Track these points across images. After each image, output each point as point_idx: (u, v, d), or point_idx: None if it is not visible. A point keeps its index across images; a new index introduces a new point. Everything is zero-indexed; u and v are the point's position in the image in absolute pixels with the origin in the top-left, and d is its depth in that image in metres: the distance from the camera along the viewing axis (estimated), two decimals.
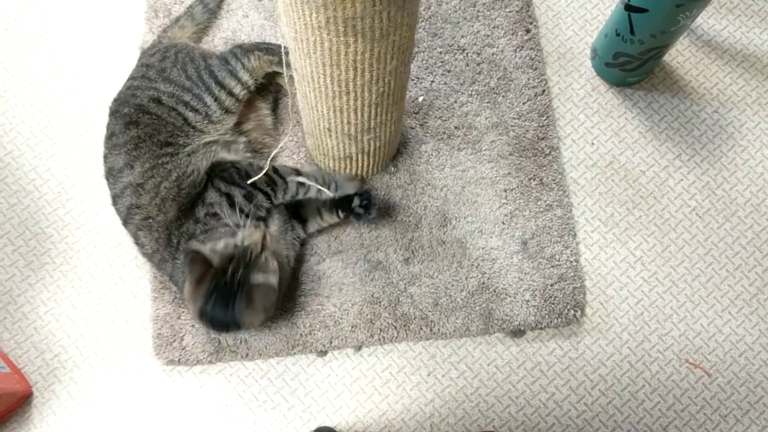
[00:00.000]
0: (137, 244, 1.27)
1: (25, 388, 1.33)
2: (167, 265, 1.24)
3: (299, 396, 1.35)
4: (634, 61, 1.43)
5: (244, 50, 1.35)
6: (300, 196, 1.30)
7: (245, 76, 1.33)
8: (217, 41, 1.50)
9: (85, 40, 1.55)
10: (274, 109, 1.47)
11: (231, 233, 1.20)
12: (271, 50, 1.37)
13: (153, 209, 1.22)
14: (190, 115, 1.28)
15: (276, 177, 1.27)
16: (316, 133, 1.24)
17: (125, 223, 1.26)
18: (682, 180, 1.49)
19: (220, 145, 1.31)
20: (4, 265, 1.41)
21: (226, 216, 1.22)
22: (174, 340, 1.32)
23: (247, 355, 1.32)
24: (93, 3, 1.55)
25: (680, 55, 1.57)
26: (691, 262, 1.44)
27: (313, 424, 1.34)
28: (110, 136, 1.27)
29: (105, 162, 1.28)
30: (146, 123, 1.25)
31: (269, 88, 1.45)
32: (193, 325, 1.33)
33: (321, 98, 1.09)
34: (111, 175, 1.27)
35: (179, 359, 1.32)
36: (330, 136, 1.22)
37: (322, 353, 1.36)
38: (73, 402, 1.34)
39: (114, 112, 1.29)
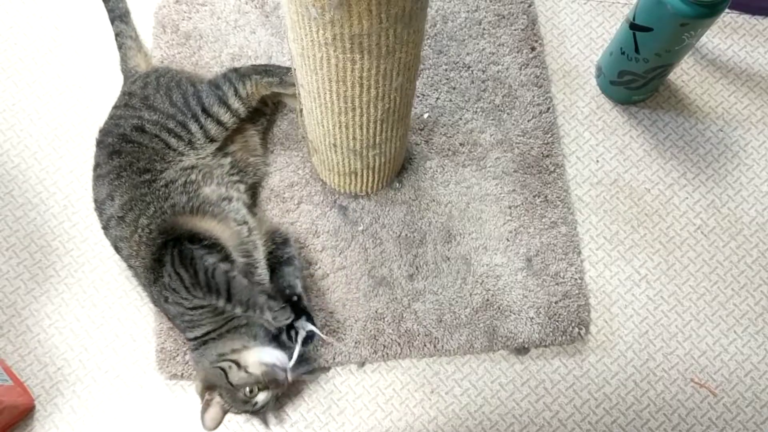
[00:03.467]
0: (135, 276, 1.27)
1: (28, 401, 1.33)
2: (160, 302, 1.22)
3: (302, 412, 1.34)
4: (639, 79, 1.44)
5: (240, 75, 1.31)
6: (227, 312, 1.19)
7: (236, 104, 1.29)
8: (224, 57, 1.51)
9: (93, 55, 1.57)
10: (265, 130, 1.46)
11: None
12: (270, 72, 1.33)
13: (134, 247, 1.20)
14: (172, 141, 1.26)
15: (212, 287, 1.13)
16: (321, 148, 1.25)
17: (117, 251, 1.27)
18: (687, 198, 1.49)
19: (200, 172, 1.26)
20: (9, 278, 1.41)
21: (182, 293, 1.14)
22: (177, 355, 1.32)
23: None
24: (101, 18, 1.56)
25: (685, 74, 1.58)
26: (696, 280, 1.44)
27: None
28: (95, 166, 1.28)
29: (93, 192, 1.29)
30: (128, 152, 1.23)
31: (263, 110, 1.43)
32: None
33: (327, 114, 1.09)
34: (97, 206, 1.28)
35: (182, 374, 1.31)
36: (335, 151, 1.22)
37: (325, 369, 1.36)
38: (75, 416, 1.34)
39: (99, 143, 1.29)
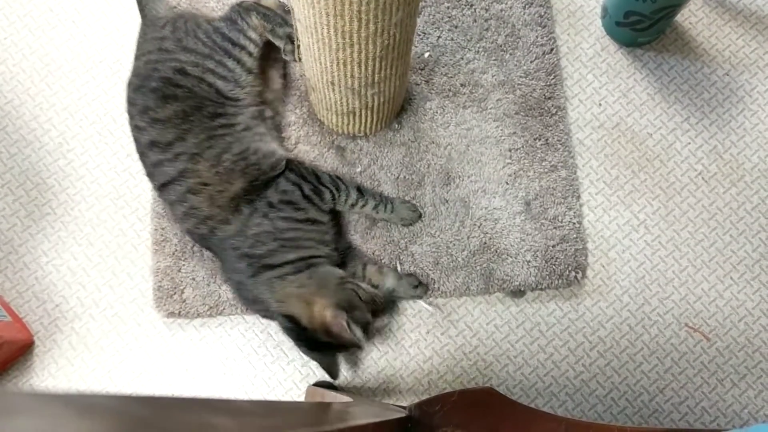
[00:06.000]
0: (179, 203, 1.21)
1: (27, 337, 1.34)
2: (221, 228, 1.22)
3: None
4: (646, 20, 1.40)
5: (245, 8, 1.33)
6: (357, 209, 1.33)
7: (253, 34, 1.31)
8: None
9: None
10: (284, 75, 1.44)
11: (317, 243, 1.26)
12: (268, 17, 1.34)
13: (213, 178, 1.19)
14: (220, 84, 1.26)
15: (340, 182, 1.32)
16: (319, 86, 1.23)
17: (168, 184, 1.21)
18: (689, 143, 1.47)
19: (260, 121, 1.32)
20: (6, 215, 1.40)
21: (300, 203, 1.25)
22: (174, 293, 1.32)
23: (247, 309, 1.32)
24: None
25: (693, 16, 1.54)
26: (695, 226, 1.43)
27: (312, 379, 1.35)
28: (145, 110, 1.22)
29: (141, 135, 1.22)
30: (184, 96, 1.22)
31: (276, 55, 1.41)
32: (193, 278, 1.33)
33: (324, 50, 1.07)
34: (155, 146, 1.21)
35: (179, 312, 1.32)
36: (333, 90, 1.20)
37: None
38: (74, 352, 1.35)
39: (139, 87, 1.23)
